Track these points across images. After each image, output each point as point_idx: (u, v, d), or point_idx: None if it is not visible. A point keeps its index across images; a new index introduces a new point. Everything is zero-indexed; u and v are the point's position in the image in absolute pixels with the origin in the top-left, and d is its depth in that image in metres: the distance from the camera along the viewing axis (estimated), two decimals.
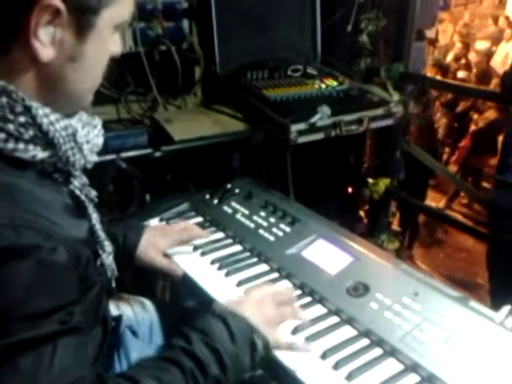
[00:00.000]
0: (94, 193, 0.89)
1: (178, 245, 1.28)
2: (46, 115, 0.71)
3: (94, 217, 0.86)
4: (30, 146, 0.71)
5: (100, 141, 0.84)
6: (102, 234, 0.88)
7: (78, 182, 0.83)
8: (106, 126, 1.73)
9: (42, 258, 0.66)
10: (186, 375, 0.79)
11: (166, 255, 1.24)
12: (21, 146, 0.70)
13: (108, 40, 0.76)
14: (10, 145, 0.69)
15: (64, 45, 0.70)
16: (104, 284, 0.91)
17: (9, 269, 0.64)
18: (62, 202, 0.78)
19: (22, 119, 0.70)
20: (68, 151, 0.75)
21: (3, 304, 0.64)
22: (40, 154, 0.72)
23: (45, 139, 0.72)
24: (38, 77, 0.71)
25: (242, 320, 0.89)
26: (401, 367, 0.94)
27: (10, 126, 0.69)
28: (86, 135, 0.79)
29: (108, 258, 0.91)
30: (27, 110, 0.70)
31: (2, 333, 0.64)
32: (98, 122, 0.85)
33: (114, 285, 0.99)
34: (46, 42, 0.68)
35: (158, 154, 1.69)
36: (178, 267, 1.25)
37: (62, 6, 0.66)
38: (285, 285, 1.19)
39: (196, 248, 1.33)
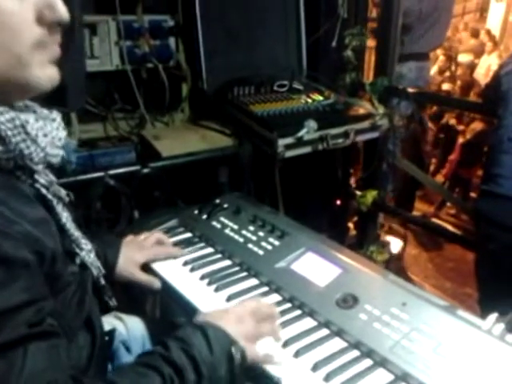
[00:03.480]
0: (63, 191, 0.86)
1: (157, 259, 1.31)
2: None
3: (65, 215, 0.83)
4: None
5: (61, 134, 0.80)
6: (75, 233, 0.86)
7: (44, 180, 0.80)
8: (94, 143, 1.76)
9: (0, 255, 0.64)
10: (165, 380, 0.79)
11: (145, 268, 1.27)
12: None
13: (4, 4, 0.67)
14: None
15: None
16: (88, 285, 0.89)
17: None
18: (25, 200, 0.74)
19: None
20: (20, 143, 0.71)
21: None
22: None
23: None
24: None
25: (220, 331, 0.89)
26: (391, 377, 0.94)
27: None
28: (41, 128, 0.75)
29: (89, 255, 0.90)
30: None
31: None
32: (56, 115, 0.81)
33: (103, 282, 0.98)
34: None
35: (146, 170, 1.69)
36: (156, 280, 1.27)
37: None
38: (274, 298, 1.19)
39: (185, 264, 1.33)
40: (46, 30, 0.72)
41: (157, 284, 1.27)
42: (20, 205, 0.71)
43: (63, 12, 0.72)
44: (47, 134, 0.76)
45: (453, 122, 4.94)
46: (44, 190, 0.79)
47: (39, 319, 0.68)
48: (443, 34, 3.34)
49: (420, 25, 2.90)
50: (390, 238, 2.88)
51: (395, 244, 2.87)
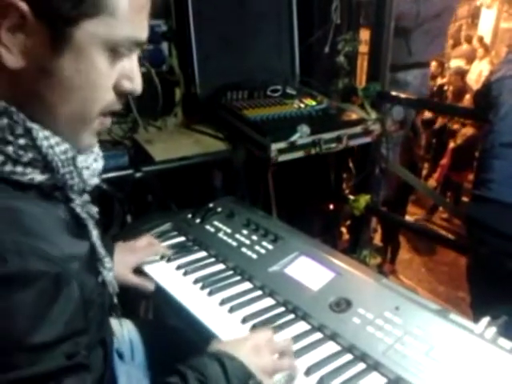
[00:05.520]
0: (95, 209, 0.85)
1: (148, 261, 1.32)
2: (46, 138, 0.69)
3: (95, 234, 0.82)
4: (29, 169, 0.68)
5: (100, 165, 0.81)
6: (102, 251, 0.85)
7: (79, 200, 0.80)
8: None
9: (46, 285, 0.63)
10: None
11: (137, 271, 1.28)
12: (19, 169, 0.67)
13: (97, 61, 0.68)
14: (8, 167, 0.66)
15: (36, 55, 0.65)
16: (106, 304, 0.88)
17: (13, 296, 0.60)
18: (63, 222, 0.74)
19: (21, 141, 0.67)
20: (66, 175, 0.72)
21: (6, 335, 0.60)
22: (38, 177, 0.69)
23: (44, 162, 0.69)
24: (13, 89, 0.67)
25: (238, 364, 0.87)
26: (384, 381, 0.95)
27: (10, 149, 0.66)
28: (85, 161, 0.76)
29: (109, 274, 0.88)
30: (27, 131, 0.67)
31: (4, 367, 0.60)
32: (95, 147, 0.82)
33: (115, 301, 0.96)
34: (12, 48, 0.63)
35: (138, 174, 1.69)
36: (149, 283, 1.28)
37: (26, 10, 0.61)
38: (268, 302, 1.19)
39: (179, 267, 1.33)
40: (115, 98, 0.73)
41: (150, 286, 1.27)
42: (63, 230, 0.71)
43: (139, 86, 0.74)
44: (89, 167, 0.77)
45: (449, 124, 4.98)
46: (79, 209, 0.78)
47: (76, 351, 0.67)
48: (445, 41, 3.37)
49: (428, 33, 2.89)
50: None
51: None
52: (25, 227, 0.64)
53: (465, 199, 4.48)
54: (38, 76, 0.66)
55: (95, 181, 0.80)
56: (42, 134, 0.68)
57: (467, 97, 5.09)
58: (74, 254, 0.70)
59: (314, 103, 2.12)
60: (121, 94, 0.73)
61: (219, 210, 1.57)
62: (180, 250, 1.41)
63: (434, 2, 2.83)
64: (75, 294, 0.68)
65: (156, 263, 1.35)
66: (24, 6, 0.61)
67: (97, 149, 0.82)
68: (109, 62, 0.69)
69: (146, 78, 1.96)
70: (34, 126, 0.68)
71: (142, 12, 0.70)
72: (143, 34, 0.71)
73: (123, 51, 0.70)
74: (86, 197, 0.83)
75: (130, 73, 0.73)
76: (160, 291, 1.27)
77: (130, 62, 0.72)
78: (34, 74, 0.66)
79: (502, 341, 0.99)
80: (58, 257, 0.66)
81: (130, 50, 0.71)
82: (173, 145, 1.90)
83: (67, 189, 0.75)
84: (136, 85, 0.74)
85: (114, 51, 0.69)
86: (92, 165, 0.78)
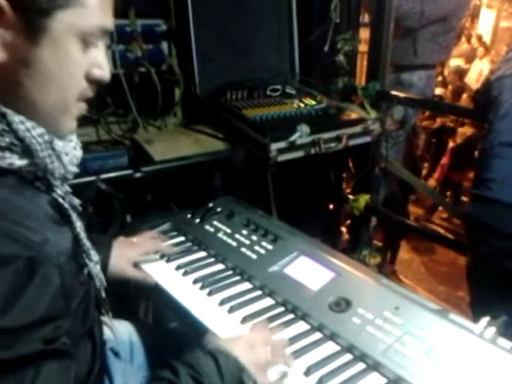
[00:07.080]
0: (77, 201, 0.87)
1: (147, 255, 1.33)
2: (21, 122, 0.70)
3: (78, 225, 0.83)
4: (7, 154, 0.69)
5: (78, 153, 0.83)
6: (87, 243, 0.86)
7: (61, 190, 0.81)
8: (86, 147, 1.75)
9: (19, 269, 0.63)
10: None
11: (137, 266, 1.28)
12: None
13: (72, 50, 0.72)
14: None
15: (15, 47, 0.67)
16: (92, 295, 0.88)
17: None
18: (44, 211, 0.75)
19: None
20: (46, 158, 0.73)
21: None
22: (17, 161, 0.70)
23: (21, 146, 0.70)
24: None
25: (232, 359, 0.87)
26: (384, 381, 0.95)
27: None
28: (63, 147, 0.78)
29: (95, 267, 0.89)
30: (2, 116, 0.69)
31: None
32: (72, 136, 0.83)
33: (103, 295, 0.97)
34: None
35: (138, 174, 1.69)
36: (149, 276, 1.28)
37: (4, 4, 0.64)
38: (267, 302, 1.19)
39: (178, 268, 1.33)
40: (88, 86, 0.77)
41: (150, 280, 1.27)
42: (43, 217, 0.73)
43: (108, 74, 0.78)
44: (68, 153, 0.79)
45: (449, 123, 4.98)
46: (61, 200, 0.80)
47: (54, 336, 0.67)
48: (453, 46, 3.34)
49: (435, 36, 2.86)
50: None
51: None
52: (1, 212, 0.65)
53: (464, 199, 4.47)
54: (19, 67, 0.69)
55: (75, 169, 0.82)
56: (17, 118, 0.70)
57: (464, 96, 5.09)
58: (52, 241, 0.70)
59: (313, 103, 2.12)
60: (92, 81, 0.77)
61: (219, 209, 1.57)
62: (179, 249, 1.41)
63: (440, 4, 2.81)
64: (53, 278, 0.68)
65: (155, 263, 1.35)
66: (2, 1, 0.64)
67: (75, 138, 0.84)
68: (81, 51, 0.73)
69: (146, 77, 1.96)
70: (8, 111, 0.69)
71: (109, 1, 0.75)
72: (110, 22, 0.76)
73: (93, 40, 0.74)
74: (68, 188, 0.85)
75: (100, 61, 0.77)
76: (159, 291, 1.27)
77: (98, 51, 0.76)
78: (14, 66, 0.69)
79: (502, 341, 0.98)
80: (34, 241, 0.66)
81: (99, 39, 0.75)
82: (172, 144, 1.90)
83: (48, 174, 0.76)
84: (105, 72, 0.78)
85: (85, 40, 0.73)
86: (71, 151, 0.80)
